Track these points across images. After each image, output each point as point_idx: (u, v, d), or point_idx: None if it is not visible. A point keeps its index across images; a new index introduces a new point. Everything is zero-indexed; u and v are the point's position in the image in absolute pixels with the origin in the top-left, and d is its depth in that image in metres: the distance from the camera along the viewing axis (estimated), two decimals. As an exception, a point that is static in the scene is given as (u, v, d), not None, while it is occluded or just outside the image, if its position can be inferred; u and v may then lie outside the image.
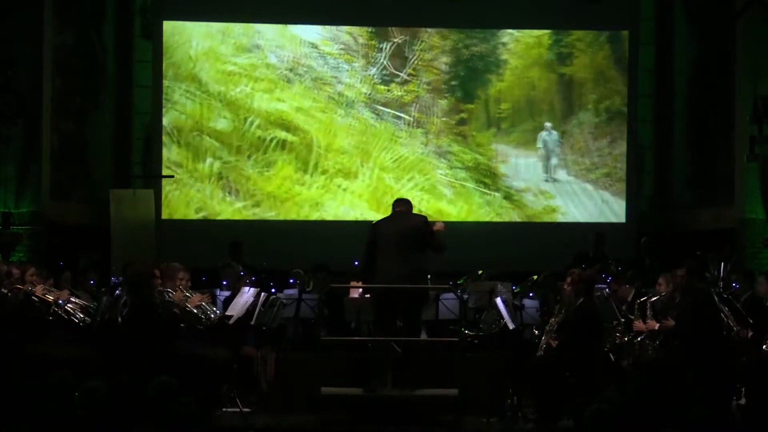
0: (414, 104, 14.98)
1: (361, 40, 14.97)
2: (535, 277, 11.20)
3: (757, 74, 12.94)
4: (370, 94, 14.93)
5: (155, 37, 14.70)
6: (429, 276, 10.77)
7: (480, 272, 11.78)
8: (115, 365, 8.45)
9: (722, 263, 10.83)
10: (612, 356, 9.30)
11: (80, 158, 14.31)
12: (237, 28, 14.81)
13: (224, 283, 10.86)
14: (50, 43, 13.26)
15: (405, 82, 14.97)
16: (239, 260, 12.29)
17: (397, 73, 14.92)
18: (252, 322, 9.67)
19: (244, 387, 9.53)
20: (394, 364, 8.94)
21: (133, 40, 15.09)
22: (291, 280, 11.43)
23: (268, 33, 14.84)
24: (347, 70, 14.93)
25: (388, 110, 14.96)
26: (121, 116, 15.02)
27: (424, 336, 10.38)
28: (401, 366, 8.91)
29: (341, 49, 14.92)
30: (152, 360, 8.20)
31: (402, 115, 14.95)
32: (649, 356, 9.15)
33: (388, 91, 14.94)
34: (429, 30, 14.98)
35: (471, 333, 10.39)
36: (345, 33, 14.95)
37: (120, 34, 15.00)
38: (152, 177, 14.29)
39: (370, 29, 14.93)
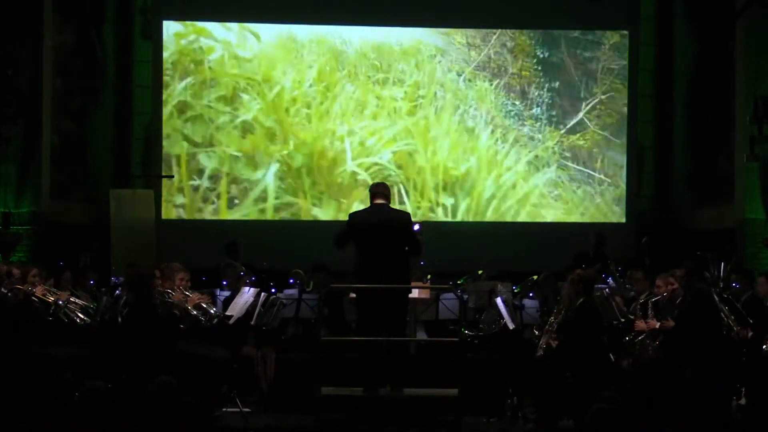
0: (595, 154, 14.96)
1: (506, 64, 14.88)
2: (535, 277, 11.19)
3: (757, 74, 12.93)
4: (556, 149, 14.89)
5: (155, 37, 14.70)
6: (429, 276, 10.79)
7: (480, 272, 11.78)
8: (115, 365, 8.46)
9: (722, 263, 10.82)
10: (612, 356, 9.30)
11: (80, 158, 14.32)
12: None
13: (224, 283, 10.87)
14: (50, 43, 13.25)
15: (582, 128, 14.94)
16: (237, 259, 12.29)
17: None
18: (252, 322, 9.67)
19: (244, 387, 9.53)
20: (391, 364, 8.90)
21: (133, 40, 15.09)
22: (291, 280, 11.43)
23: (447, 81, 14.75)
24: (515, 113, 14.85)
25: (581, 168, 14.89)
26: (121, 116, 15.02)
27: (423, 336, 10.39)
28: (397, 366, 8.87)
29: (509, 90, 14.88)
30: (152, 360, 8.21)
31: (591, 172, 14.90)
32: (649, 356, 9.14)
33: (568, 139, 14.90)
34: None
35: (471, 333, 10.38)
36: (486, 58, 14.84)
37: (120, 34, 15.01)
38: (152, 177, 14.29)
39: (532, 61, 14.86)
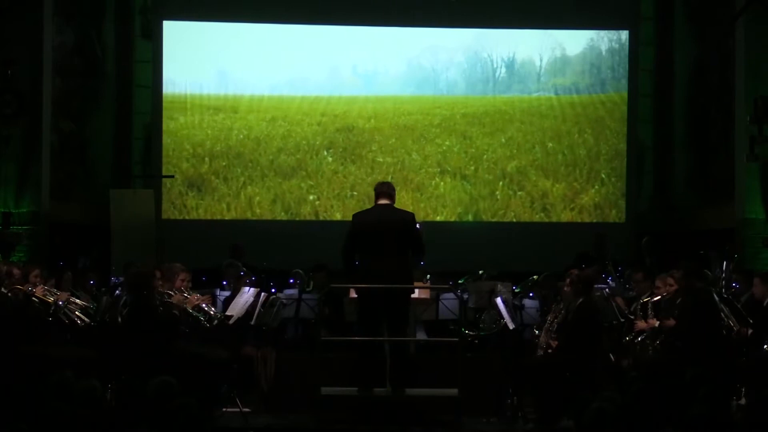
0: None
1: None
2: (535, 277, 11.19)
3: (757, 74, 12.91)
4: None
5: (155, 37, 14.70)
6: (429, 276, 10.79)
7: (480, 272, 11.77)
8: (115, 365, 8.47)
9: (725, 263, 10.81)
10: (612, 356, 9.30)
11: (80, 158, 14.31)
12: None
13: (224, 283, 10.87)
14: (50, 43, 13.24)
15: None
16: (241, 261, 12.28)
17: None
18: (252, 322, 9.67)
19: (244, 387, 9.53)
20: (391, 364, 8.90)
21: (133, 40, 15.10)
22: (291, 280, 11.43)
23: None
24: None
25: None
26: (121, 116, 15.03)
27: (423, 336, 10.39)
28: (398, 366, 8.86)
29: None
30: (152, 360, 8.21)
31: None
32: (649, 356, 9.14)
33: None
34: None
35: (471, 333, 10.38)
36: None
37: (120, 34, 15.01)
38: (152, 177, 14.29)
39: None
